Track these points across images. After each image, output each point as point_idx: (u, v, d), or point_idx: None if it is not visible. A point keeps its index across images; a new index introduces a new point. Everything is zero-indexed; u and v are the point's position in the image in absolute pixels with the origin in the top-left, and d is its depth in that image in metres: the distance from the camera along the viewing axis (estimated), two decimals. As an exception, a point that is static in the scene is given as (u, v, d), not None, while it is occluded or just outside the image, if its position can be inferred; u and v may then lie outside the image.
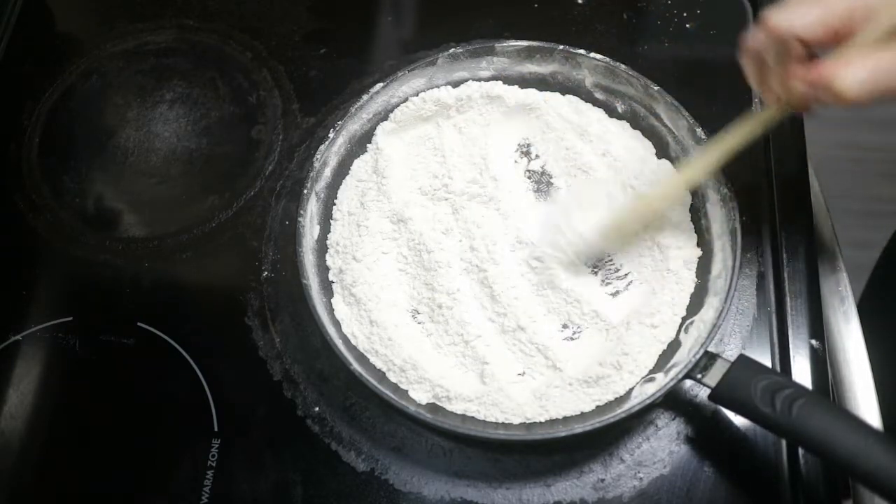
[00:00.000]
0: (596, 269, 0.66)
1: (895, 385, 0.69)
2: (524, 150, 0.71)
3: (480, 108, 0.71)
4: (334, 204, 0.69)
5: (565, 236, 0.64)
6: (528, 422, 0.59)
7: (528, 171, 0.71)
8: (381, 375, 0.61)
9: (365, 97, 0.69)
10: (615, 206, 0.64)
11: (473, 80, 0.71)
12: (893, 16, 0.48)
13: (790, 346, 0.62)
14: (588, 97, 0.71)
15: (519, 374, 0.62)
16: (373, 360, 0.62)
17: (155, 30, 0.83)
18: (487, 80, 0.72)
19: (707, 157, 0.60)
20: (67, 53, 0.82)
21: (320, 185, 0.67)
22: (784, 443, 0.60)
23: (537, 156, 0.71)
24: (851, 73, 0.48)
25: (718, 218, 0.63)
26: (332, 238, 0.67)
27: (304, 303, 0.61)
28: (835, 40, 0.50)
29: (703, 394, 0.61)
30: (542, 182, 0.70)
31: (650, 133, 0.69)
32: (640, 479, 0.60)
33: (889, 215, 0.93)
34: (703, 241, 0.64)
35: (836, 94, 0.49)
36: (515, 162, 0.71)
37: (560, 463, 0.60)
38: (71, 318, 0.68)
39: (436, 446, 0.62)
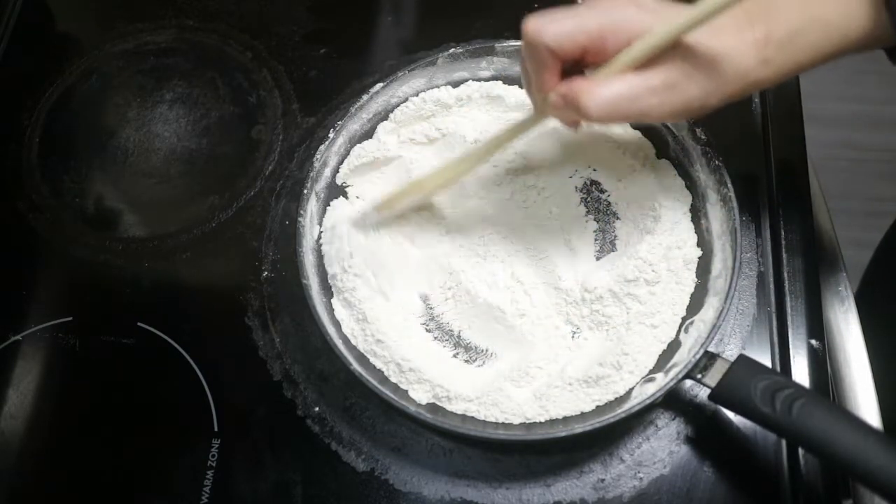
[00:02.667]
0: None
1: (895, 385, 0.69)
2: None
3: (480, 107, 0.71)
4: (334, 204, 0.69)
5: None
6: (528, 422, 0.59)
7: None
8: (381, 375, 0.61)
9: (365, 97, 0.69)
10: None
11: (473, 80, 0.71)
12: (646, 45, 0.49)
13: (790, 346, 0.62)
14: (588, 97, 0.71)
15: (519, 374, 0.62)
16: (373, 360, 0.62)
17: (155, 30, 0.83)
18: (487, 80, 0.72)
19: (478, 154, 0.62)
20: (67, 53, 0.82)
21: (320, 185, 0.67)
22: (784, 443, 0.60)
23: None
24: (597, 93, 0.49)
25: (718, 218, 0.63)
26: (332, 238, 0.67)
27: (304, 303, 0.61)
28: (586, 58, 0.51)
29: (703, 394, 0.61)
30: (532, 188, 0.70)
31: (650, 133, 0.69)
32: (640, 479, 0.60)
33: (889, 215, 0.93)
34: (703, 241, 0.64)
35: (581, 111, 0.50)
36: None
37: (560, 463, 0.60)
38: (71, 318, 0.68)
39: (436, 446, 0.62)
